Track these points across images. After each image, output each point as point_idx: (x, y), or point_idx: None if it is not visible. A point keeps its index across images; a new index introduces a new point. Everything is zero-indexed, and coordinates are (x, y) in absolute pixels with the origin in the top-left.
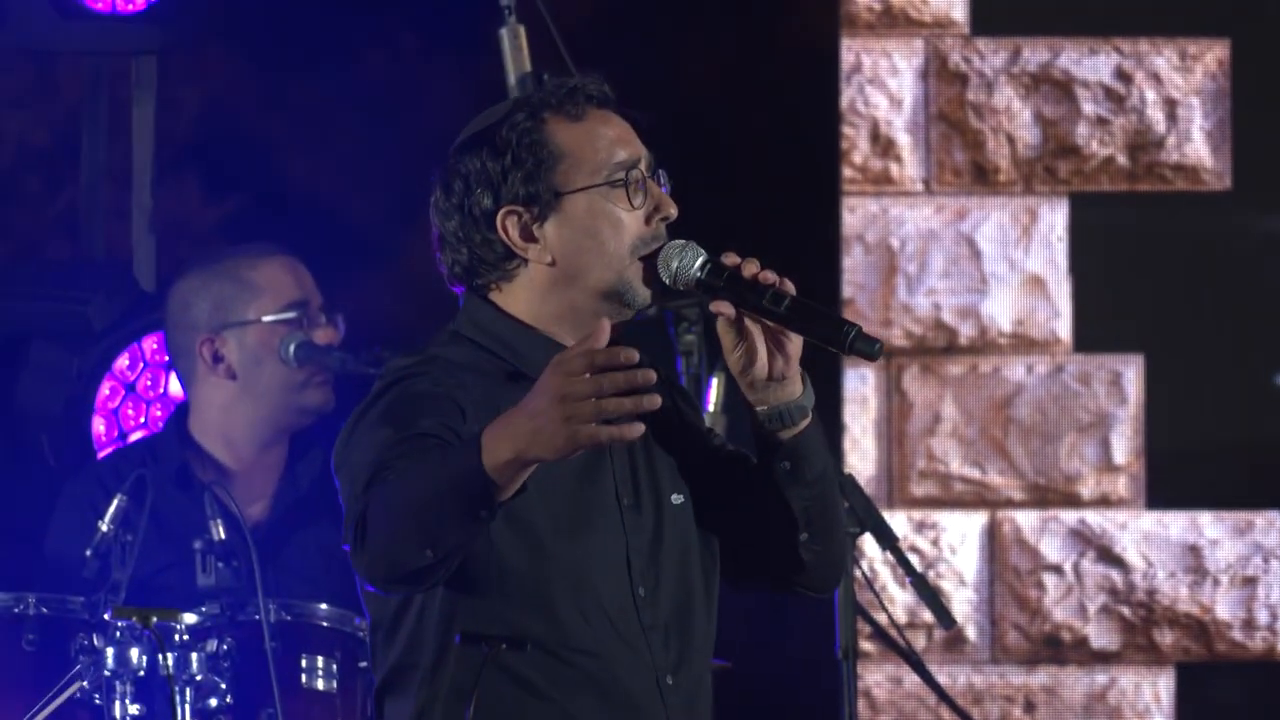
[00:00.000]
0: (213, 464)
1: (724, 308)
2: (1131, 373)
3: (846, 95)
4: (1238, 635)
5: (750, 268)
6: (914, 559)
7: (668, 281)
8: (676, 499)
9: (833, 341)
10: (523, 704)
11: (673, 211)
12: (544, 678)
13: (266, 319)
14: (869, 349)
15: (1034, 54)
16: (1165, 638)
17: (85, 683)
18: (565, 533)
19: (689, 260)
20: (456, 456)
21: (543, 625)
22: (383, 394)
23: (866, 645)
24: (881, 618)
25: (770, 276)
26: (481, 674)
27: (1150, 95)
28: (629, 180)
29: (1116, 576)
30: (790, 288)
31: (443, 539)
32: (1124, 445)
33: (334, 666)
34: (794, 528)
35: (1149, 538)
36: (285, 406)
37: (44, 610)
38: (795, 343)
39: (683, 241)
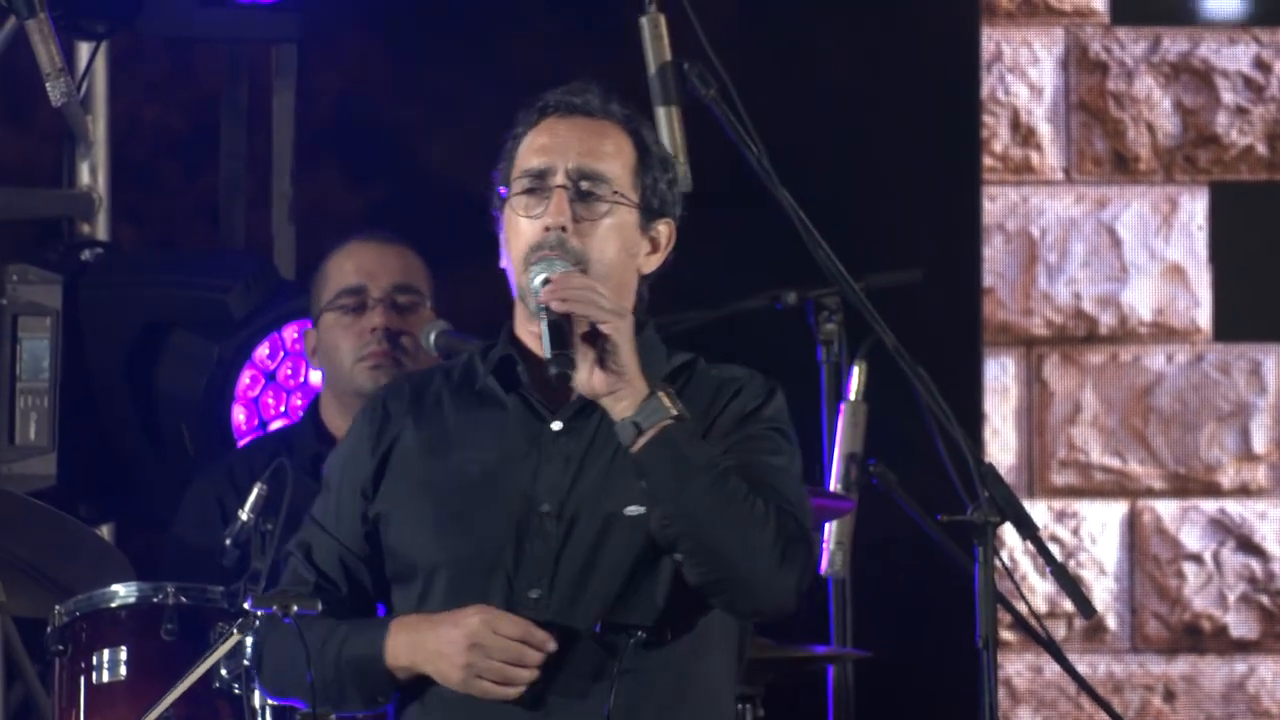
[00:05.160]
0: None
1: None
2: (1271, 362)
3: (987, 84)
4: None
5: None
6: (1054, 548)
7: None
8: (633, 510)
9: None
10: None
11: (556, 220)
12: None
13: (326, 309)
14: (552, 366)
15: (1174, 43)
16: None
17: (224, 671)
18: (452, 531)
19: (535, 273)
20: (360, 641)
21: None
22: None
23: (1007, 634)
24: (1021, 607)
25: (543, 296)
26: None
27: None
28: (513, 189)
29: (1256, 565)
30: (556, 305)
31: (343, 708)
32: (1264, 434)
33: None
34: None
35: None
36: (349, 392)
37: (183, 599)
38: (588, 364)
39: (551, 255)
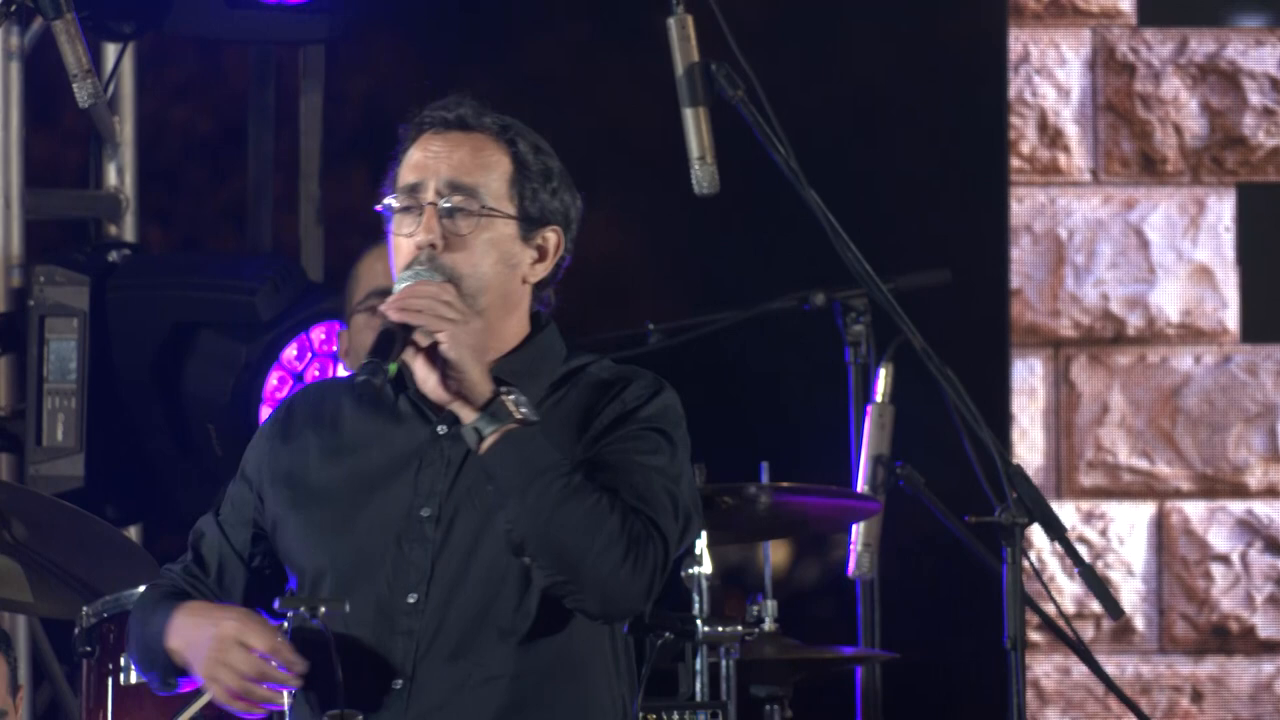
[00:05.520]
0: None
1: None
2: None
3: (1014, 85)
4: None
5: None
6: (1082, 549)
7: None
8: None
9: None
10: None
11: (425, 238)
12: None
13: (357, 310)
14: (360, 373)
15: (1201, 44)
16: None
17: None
18: (335, 537)
19: (399, 283)
20: (159, 617)
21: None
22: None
23: (1035, 635)
24: (1049, 608)
25: (383, 305)
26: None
27: None
28: (392, 206)
29: None
30: (392, 314)
31: (163, 686)
32: None
33: None
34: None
35: None
36: None
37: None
38: (426, 371)
39: (416, 269)
